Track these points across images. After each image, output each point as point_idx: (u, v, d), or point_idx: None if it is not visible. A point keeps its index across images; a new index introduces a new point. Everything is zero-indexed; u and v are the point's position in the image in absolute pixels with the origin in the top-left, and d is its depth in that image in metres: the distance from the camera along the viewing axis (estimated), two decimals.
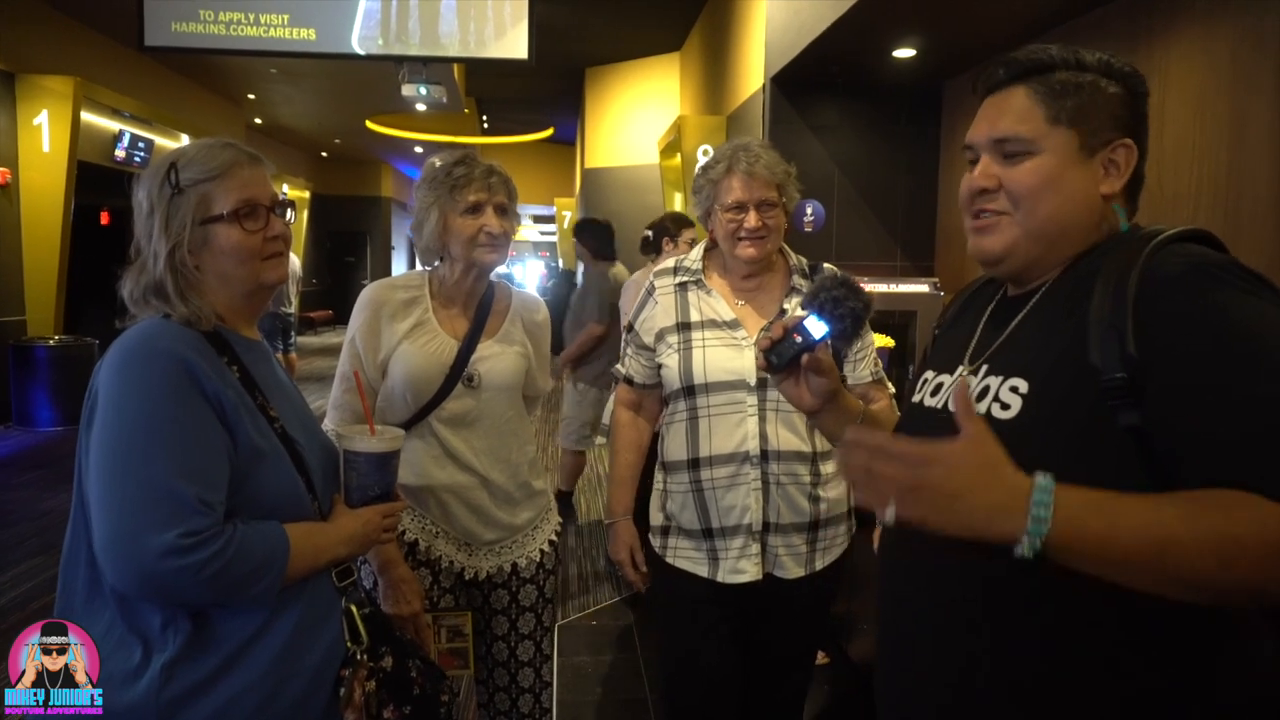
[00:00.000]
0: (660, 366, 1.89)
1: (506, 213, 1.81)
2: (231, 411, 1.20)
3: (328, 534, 1.31)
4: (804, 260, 1.93)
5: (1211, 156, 2.84)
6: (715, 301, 1.86)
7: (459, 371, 1.80)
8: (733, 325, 1.83)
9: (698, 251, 1.94)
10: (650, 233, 4.09)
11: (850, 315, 1.15)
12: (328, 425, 1.76)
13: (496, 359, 1.85)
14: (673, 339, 1.85)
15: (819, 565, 1.84)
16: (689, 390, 1.82)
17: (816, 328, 1.14)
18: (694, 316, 1.85)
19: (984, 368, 1.01)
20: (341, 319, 19.35)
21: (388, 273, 20.64)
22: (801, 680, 1.99)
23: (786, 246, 1.95)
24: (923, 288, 3.92)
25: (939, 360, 1.13)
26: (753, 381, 1.78)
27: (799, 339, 1.14)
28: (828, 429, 1.25)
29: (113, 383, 1.17)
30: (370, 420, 1.50)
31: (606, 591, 4.03)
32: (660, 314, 1.89)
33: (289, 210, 1.37)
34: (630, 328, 1.98)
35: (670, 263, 1.96)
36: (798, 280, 1.88)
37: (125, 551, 1.09)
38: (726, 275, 1.90)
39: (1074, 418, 0.88)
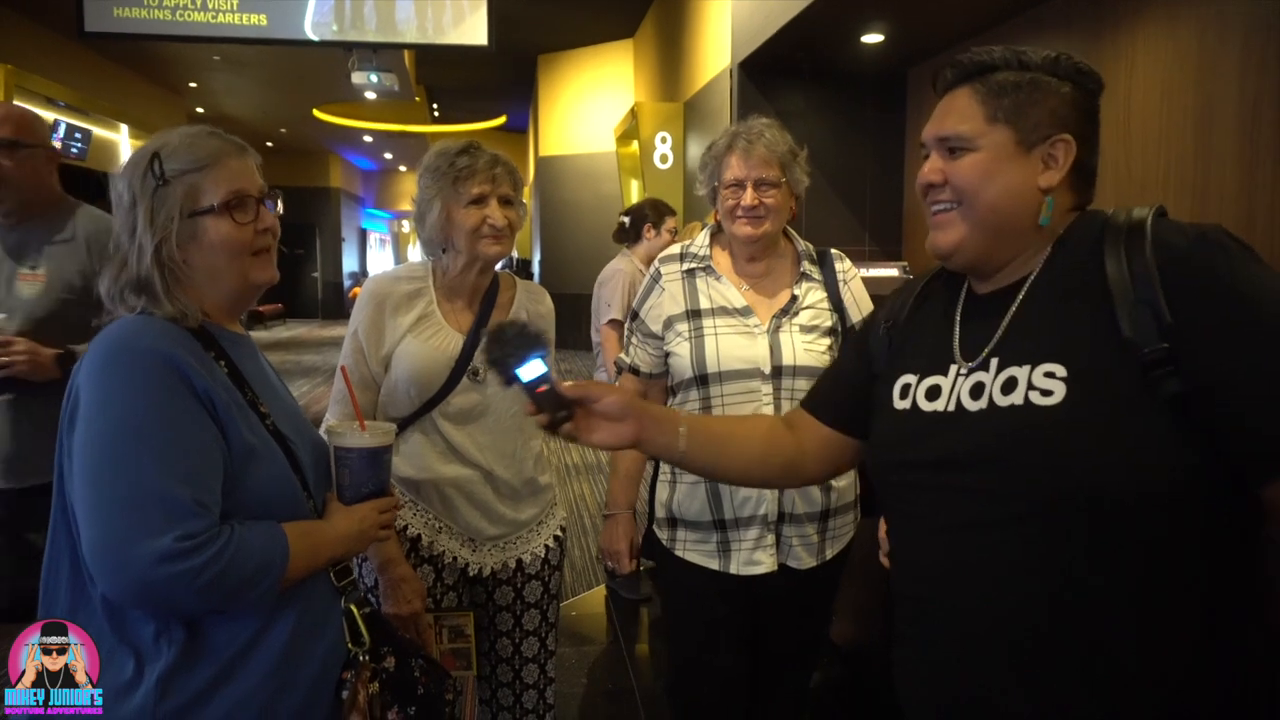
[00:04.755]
0: (668, 355, 1.85)
1: (511, 203, 1.78)
2: (223, 409, 1.15)
3: (325, 532, 1.26)
4: (812, 247, 1.91)
5: (1178, 142, 2.90)
6: (725, 288, 1.82)
7: (464, 365, 1.76)
8: (744, 312, 1.79)
9: (703, 237, 1.90)
10: (627, 219, 3.94)
11: (523, 342, 1.19)
12: (330, 420, 1.71)
13: None
14: (682, 327, 1.81)
15: (829, 554, 1.83)
16: (701, 380, 1.78)
17: (529, 371, 1.17)
18: (704, 304, 1.82)
19: (993, 361, 1.01)
20: (292, 313, 19.04)
21: (338, 266, 20.27)
22: (808, 666, 1.99)
23: (794, 232, 1.92)
24: (892, 272, 3.96)
25: (916, 363, 1.11)
26: (767, 369, 1.75)
27: (540, 390, 1.17)
28: (660, 447, 1.25)
29: (96, 383, 1.10)
30: (360, 416, 1.45)
31: (586, 582, 4.01)
32: (668, 301, 1.85)
33: (277, 203, 1.31)
34: (634, 315, 1.93)
35: (675, 249, 1.92)
36: (807, 266, 1.86)
37: (118, 559, 1.04)
38: (733, 261, 1.87)
39: (1120, 394, 0.90)
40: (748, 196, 1.75)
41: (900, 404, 1.10)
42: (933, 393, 1.06)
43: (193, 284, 1.22)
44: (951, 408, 1.03)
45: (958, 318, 1.09)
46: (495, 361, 1.19)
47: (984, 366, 1.01)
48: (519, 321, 1.24)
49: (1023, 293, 1.02)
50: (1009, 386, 0.97)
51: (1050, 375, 0.94)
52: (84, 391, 1.11)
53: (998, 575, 0.96)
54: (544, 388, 1.16)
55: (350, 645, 1.28)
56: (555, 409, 1.17)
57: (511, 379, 1.17)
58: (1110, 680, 0.91)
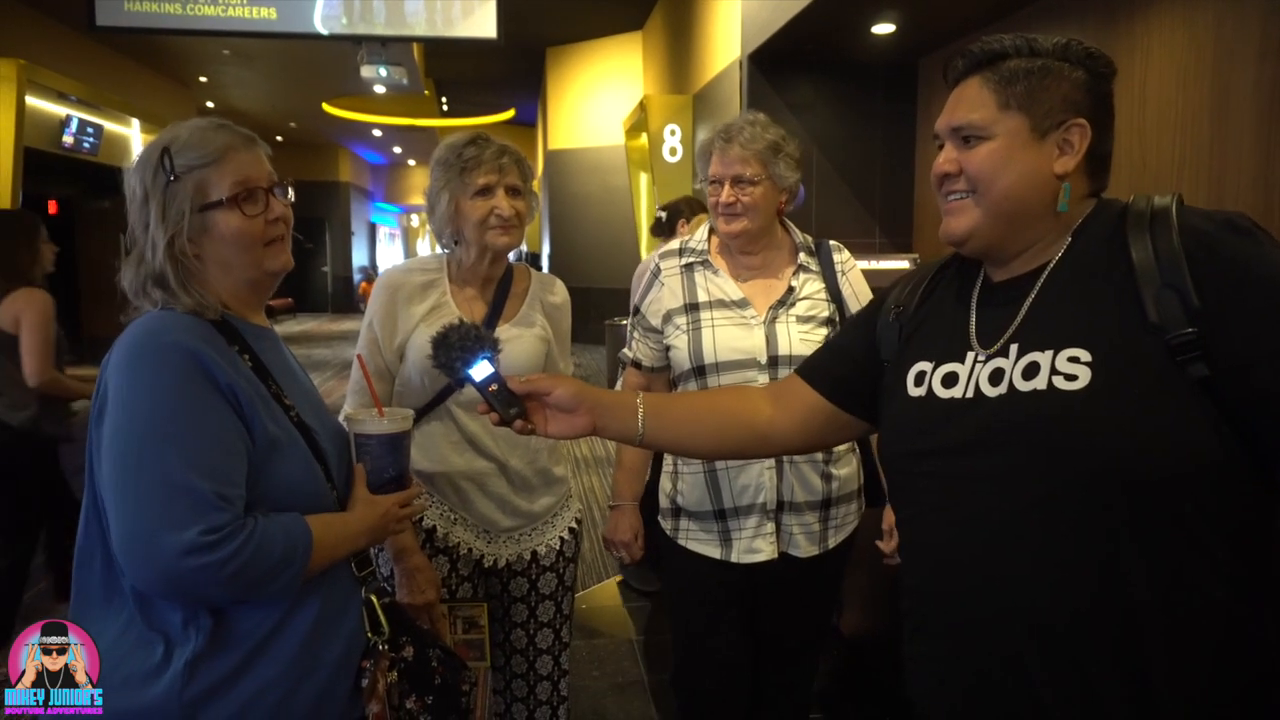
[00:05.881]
0: (668, 349, 1.87)
1: (520, 193, 1.78)
2: (246, 402, 1.16)
3: (348, 524, 1.27)
4: (809, 238, 1.93)
5: (1194, 129, 2.88)
6: (722, 281, 1.85)
7: None
8: (741, 304, 1.82)
9: (702, 232, 1.93)
10: (664, 214, 4.06)
11: (470, 344, 1.23)
12: (347, 410, 1.72)
13: (515, 342, 1.82)
14: (681, 320, 1.84)
15: (832, 544, 1.84)
16: (699, 370, 1.81)
17: (479, 371, 1.21)
18: (702, 297, 1.85)
19: (1013, 347, 1.00)
20: (301, 307, 19.09)
21: (347, 260, 20.32)
22: (812, 657, 2.00)
23: (791, 224, 1.93)
24: (903, 264, 3.95)
25: (930, 350, 1.11)
26: (764, 360, 1.77)
27: (491, 388, 1.21)
28: (617, 432, 1.27)
29: (122, 378, 1.12)
30: (378, 403, 1.46)
31: (597, 574, 4.02)
32: (667, 295, 1.88)
33: (288, 191, 1.31)
34: (636, 310, 1.96)
35: (675, 244, 1.95)
36: (804, 258, 1.87)
37: (144, 551, 1.06)
38: (730, 254, 1.89)
39: (1145, 378, 0.90)
40: (724, 193, 1.79)
41: (915, 391, 1.09)
42: (949, 379, 1.06)
43: (206, 277, 1.24)
44: (970, 394, 1.02)
45: (973, 304, 1.08)
46: (444, 365, 1.23)
47: (1003, 352, 1.01)
48: (465, 324, 1.26)
49: (1043, 279, 1.02)
50: (1031, 372, 0.96)
51: (1074, 360, 0.93)
52: (110, 385, 1.13)
53: (1024, 561, 0.95)
54: (494, 386, 1.20)
55: (370, 634, 1.30)
56: (507, 406, 1.20)
57: (462, 380, 1.21)
58: (1140, 664, 0.91)
